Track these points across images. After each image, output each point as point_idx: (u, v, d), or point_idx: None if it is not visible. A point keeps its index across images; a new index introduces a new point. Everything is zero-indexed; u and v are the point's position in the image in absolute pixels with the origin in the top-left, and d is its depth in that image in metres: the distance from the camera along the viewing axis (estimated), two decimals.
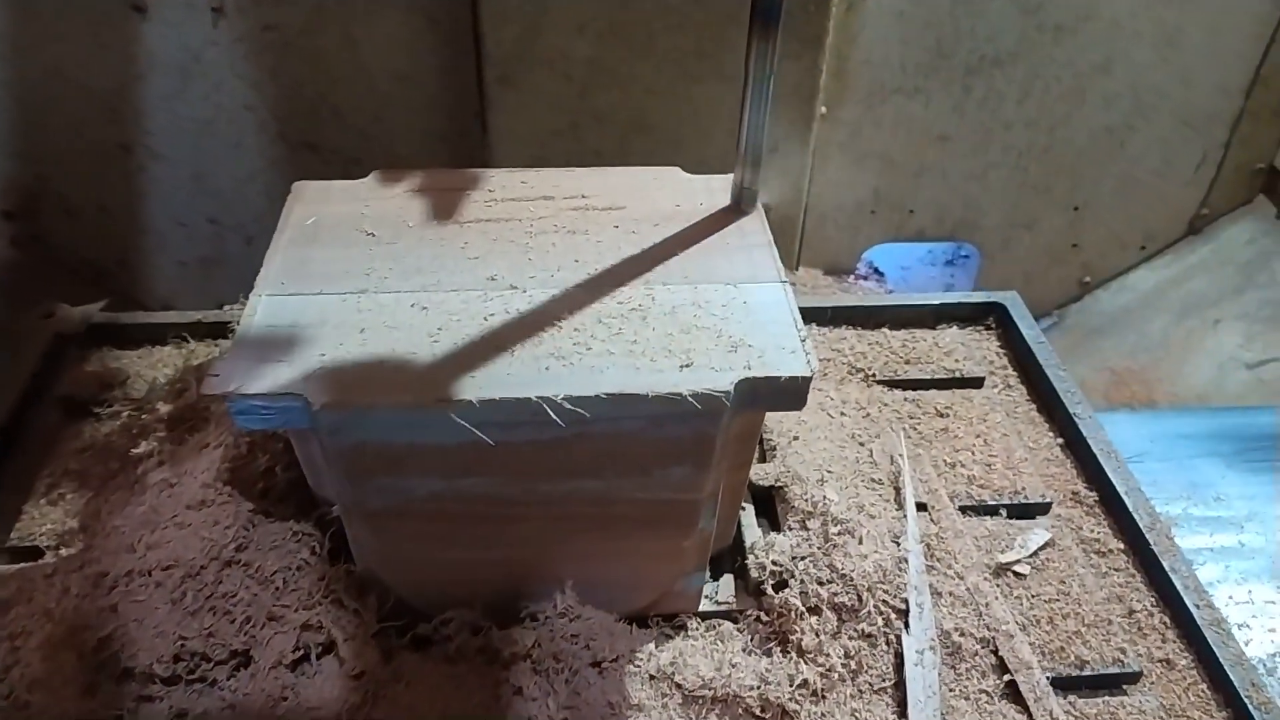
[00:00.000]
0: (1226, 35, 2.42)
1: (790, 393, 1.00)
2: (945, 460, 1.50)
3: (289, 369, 0.98)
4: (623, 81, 2.12)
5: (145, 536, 1.08)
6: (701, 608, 1.25)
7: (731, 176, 1.30)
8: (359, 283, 1.10)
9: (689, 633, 1.23)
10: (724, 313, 1.07)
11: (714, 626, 1.24)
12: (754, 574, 1.25)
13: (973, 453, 1.52)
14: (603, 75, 2.11)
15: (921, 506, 1.41)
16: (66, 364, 1.68)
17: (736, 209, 1.24)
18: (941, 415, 1.59)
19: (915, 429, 1.56)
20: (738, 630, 1.23)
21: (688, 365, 1.00)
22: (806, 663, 1.17)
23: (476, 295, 1.09)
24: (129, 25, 2.05)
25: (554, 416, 0.95)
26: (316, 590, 1.09)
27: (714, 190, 1.28)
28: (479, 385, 0.97)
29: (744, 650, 1.21)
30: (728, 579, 1.29)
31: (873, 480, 1.42)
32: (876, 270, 2.81)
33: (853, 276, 2.64)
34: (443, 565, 1.13)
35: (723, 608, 1.26)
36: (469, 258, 1.14)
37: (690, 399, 0.96)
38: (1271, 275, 2.55)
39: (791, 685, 1.14)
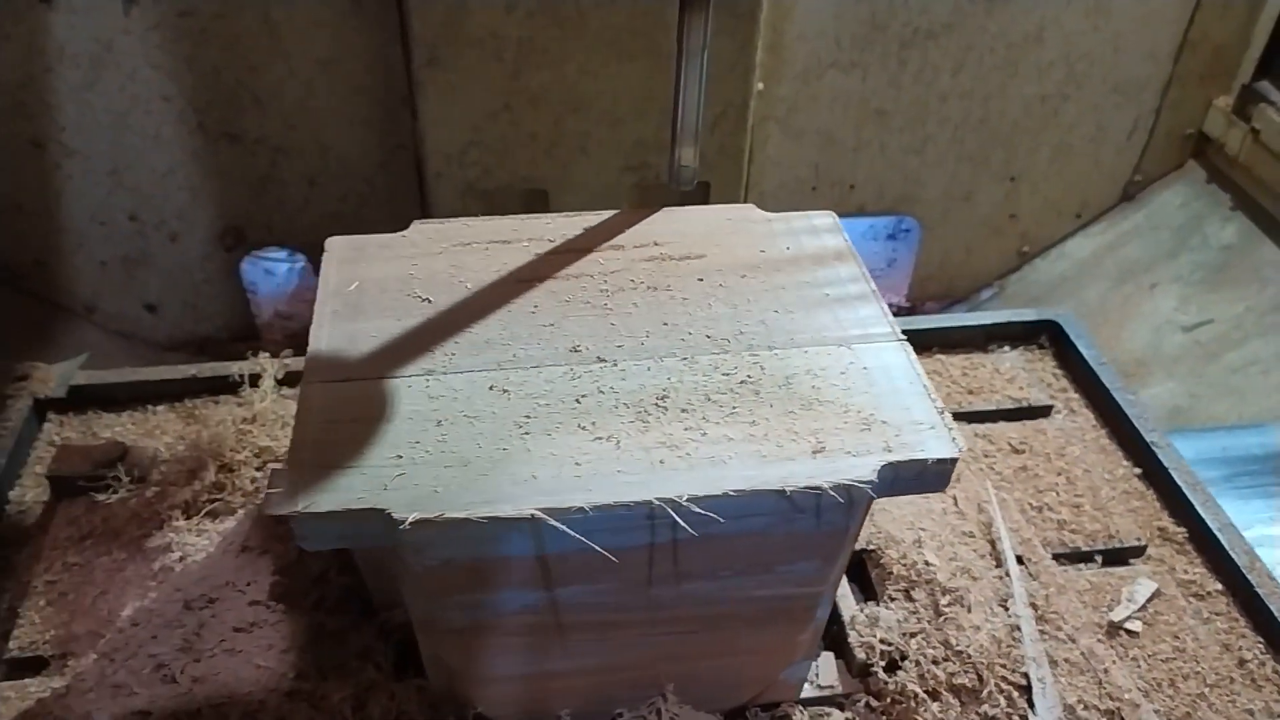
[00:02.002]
0: (1154, 2, 2.43)
1: (934, 476, 0.89)
2: (1031, 504, 1.40)
3: (361, 477, 0.84)
4: (555, 61, 2.03)
5: (188, 666, 0.93)
6: (803, 693, 1.13)
7: (810, 215, 1.18)
8: (424, 362, 0.95)
9: None
10: (844, 381, 0.95)
11: (821, 716, 1.12)
12: (860, 654, 1.13)
13: (1058, 493, 1.42)
14: (535, 55, 2.01)
15: (1018, 559, 1.30)
16: (50, 434, 1.51)
17: (828, 254, 1.12)
18: (1018, 451, 1.48)
19: (993, 469, 1.45)
20: (849, 719, 1.12)
21: (820, 450, 0.87)
22: None
23: (561, 372, 0.95)
24: (34, 15, 1.93)
25: (680, 521, 0.82)
26: (389, 715, 0.95)
27: (796, 232, 1.15)
28: (587, 487, 0.83)
29: None
30: (827, 659, 1.17)
31: (964, 534, 1.31)
32: None
33: None
34: (531, 678, 0.99)
35: (826, 693, 1.14)
36: (543, 325, 1.00)
37: (832, 493, 0.84)
38: (1204, 238, 2.58)
39: None
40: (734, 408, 0.91)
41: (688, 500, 0.82)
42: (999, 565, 1.27)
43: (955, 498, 1.37)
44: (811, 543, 0.91)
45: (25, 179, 2.10)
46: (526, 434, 0.88)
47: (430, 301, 1.03)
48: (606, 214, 1.16)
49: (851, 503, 0.86)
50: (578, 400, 0.92)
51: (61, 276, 2.25)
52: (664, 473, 0.85)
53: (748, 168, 2.36)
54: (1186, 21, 2.49)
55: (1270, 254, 2.46)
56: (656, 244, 1.12)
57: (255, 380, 1.41)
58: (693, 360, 0.97)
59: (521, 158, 2.16)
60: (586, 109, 2.11)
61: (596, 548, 0.81)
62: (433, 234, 1.13)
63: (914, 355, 0.98)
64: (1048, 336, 1.74)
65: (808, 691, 1.14)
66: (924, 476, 0.88)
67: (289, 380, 1.50)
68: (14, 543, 1.37)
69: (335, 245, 1.10)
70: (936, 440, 0.89)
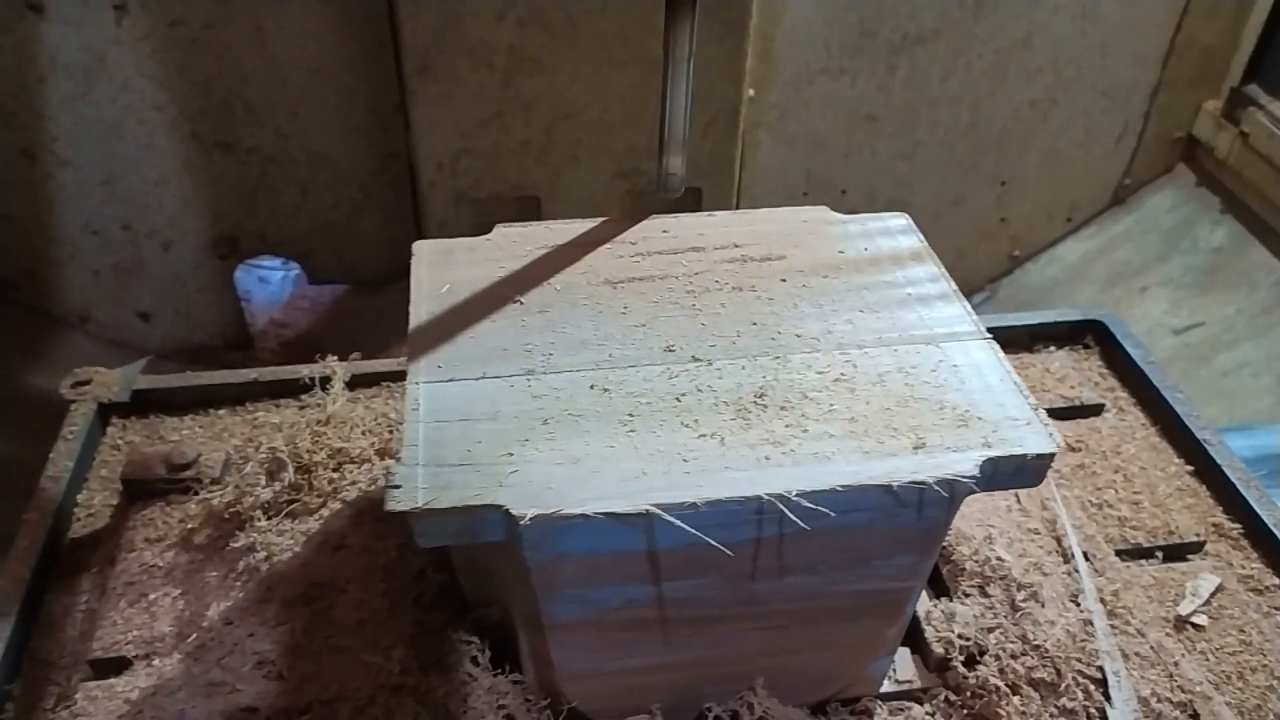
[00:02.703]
0: (1142, 6, 2.45)
1: (1032, 471, 0.90)
2: (1091, 501, 1.42)
3: (476, 474, 0.85)
4: (546, 69, 2.05)
5: (296, 663, 0.94)
6: (882, 688, 1.15)
7: (884, 216, 1.20)
8: (522, 362, 0.97)
9: None
10: (936, 379, 0.96)
11: (900, 710, 1.13)
12: (937, 649, 1.15)
13: (1116, 490, 1.44)
14: (526, 63, 2.03)
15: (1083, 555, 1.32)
16: (113, 438, 1.52)
17: (905, 254, 1.14)
18: (1074, 449, 1.50)
19: (1052, 467, 1.46)
20: (927, 714, 1.13)
21: (920, 446, 0.89)
22: None
23: (658, 371, 0.97)
24: (25, 25, 1.93)
25: (793, 517, 0.84)
26: (489, 710, 0.97)
27: (871, 233, 1.17)
28: (697, 483, 0.85)
29: None
30: (903, 653, 1.18)
31: (1030, 530, 1.33)
32: None
33: None
34: (626, 672, 1.01)
35: (904, 688, 1.16)
36: (635, 325, 1.02)
37: (936, 487, 0.86)
38: (1194, 242, 2.60)
39: None
40: (832, 405, 0.93)
41: (797, 495, 0.84)
42: (1066, 561, 1.29)
43: (1018, 495, 1.39)
44: (910, 537, 0.92)
45: (17, 189, 2.10)
46: (632, 431, 0.90)
47: (522, 303, 1.05)
48: (685, 216, 1.18)
49: (953, 498, 0.88)
50: (678, 399, 0.94)
51: (55, 286, 2.25)
52: (770, 469, 0.87)
53: (739, 174, 2.37)
54: (1174, 26, 2.51)
55: (1260, 257, 2.48)
56: (737, 246, 1.14)
57: (325, 383, 1.42)
58: (785, 359, 0.99)
59: (514, 165, 2.18)
60: (578, 116, 2.13)
61: (712, 542, 0.83)
62: (516, 237, 1.14)
63: (1001, 353, 1.00)
64: (1093, 336, 1.76)
65: (886, 686, 1.15)
66: (1022, 471, 0.90)
67: (350, 384, 1.51)
68: (87, 546, 1.38)
69: (423, 249, 1.12)
70: (1034, 435, 0.91)
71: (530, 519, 0.81)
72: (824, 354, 0.99)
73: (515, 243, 1.14)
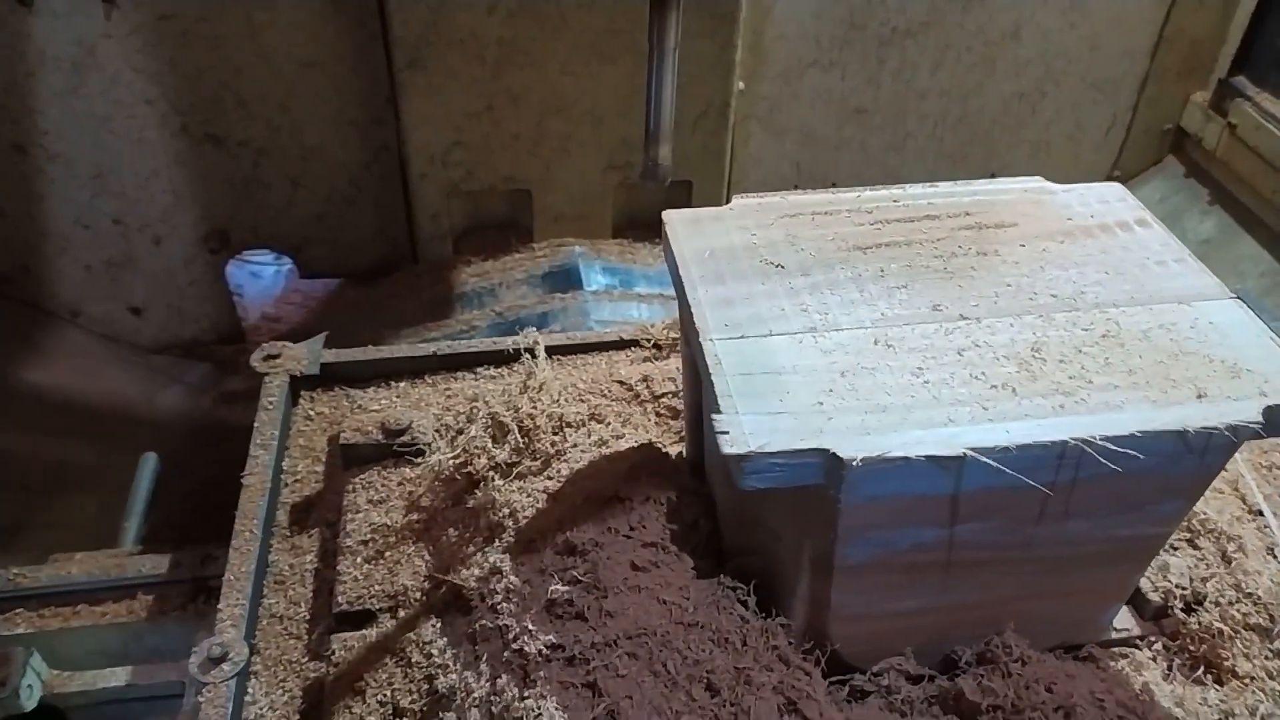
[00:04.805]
0: None
1: None
2: (1260, 464, 1.48)
3: (794, 421, 0.91)
4: (536, 61, 2.08)
5: (599, 602, 0.99)
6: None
7: (1097, 186, 1.25)
8: (803, 320, 1.02)
9: (1100, 665, 1.18)
10: (1198, 335, 1.02)
11: (1123, 655, 1.19)
12: (1154, 598, 1.21)
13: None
14: (516, 55, 2.06)
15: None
16: (305, 409, 1.58)
17: (1131, 220, 1.19)
18: None
19: None
20: (1150, 659, 1.19)
21: (1203, 395, 0.94)
22: (1247, 688, 1.13)
23: (933, 329, 1.02)
24: (13, 19, 1.94)
25: (1101, 459, 0.89)
26: (764, 650, 1.02)
27: (1090, 201, 1.23)
28: (1004, 429, 0.90)
29: (1164, 679, 1.17)
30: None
31: (1214, 489, 1.38)
32: None
33: None
34: (896, 615, 1.06)
35: (1122, 634, 1.21)
36: (895, 286, 1.08)
37: (1226, 432, 0.91)
38: (1182, 233, 2.64)
39: (1253, 715, 1.10)
40: (1106, 359, 0.99)
41: (1101, 440, 0.90)
42: (1253, 516, 1.35)
43: None
44: (1183, 483, 0.98)
45: (8, 183, 2.11)
46: (927, 382, 0.95)
47: (783, 267, 1.10)
48: (911, 187, 1.23)
49: (1235, 444, 0.93)
50: (959, 353, 0.99)
51: (46, 281, 2.27)
52: (1067, 416, 0.92)
53: (730, 166, 2.41)
54: (1163, 18, 2.54)
55: (1248, 247, 2.53)
56: (968, 214, 1.19)
57: (528, 353, 1.47)
58: (1048, 317, 1.04)
59: (504, 158, 2.20)
60: (568, 109, 2.16)
61: (1031, 482, 0.89)
62: (755, 207, 1.20)
63: (1251, 311, 1.06)
64: None
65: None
66: None
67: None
68: (302, 508, 1.44)
69: (673, 217, 1.17)
70: None
71: (859, 461, 0.87)
72: (1084, 313, 1.05)
73: (757, 212, 1.19)
